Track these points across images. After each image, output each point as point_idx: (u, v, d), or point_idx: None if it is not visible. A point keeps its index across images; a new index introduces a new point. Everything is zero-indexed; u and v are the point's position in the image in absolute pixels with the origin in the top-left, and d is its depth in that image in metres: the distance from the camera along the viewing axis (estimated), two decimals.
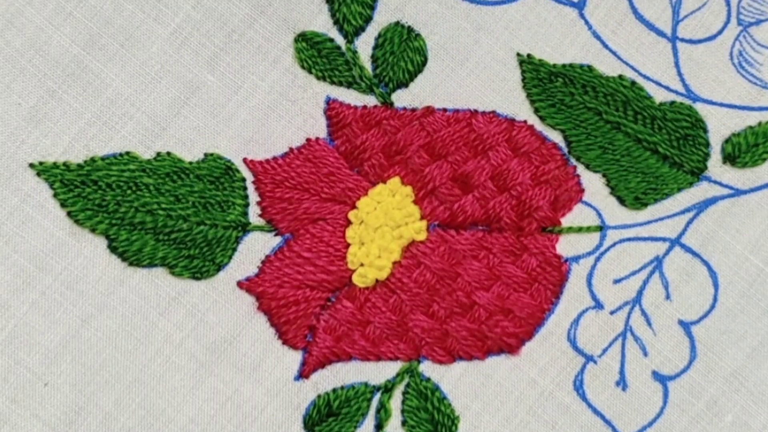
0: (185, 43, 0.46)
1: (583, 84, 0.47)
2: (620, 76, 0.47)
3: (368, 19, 0.47)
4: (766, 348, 0.47)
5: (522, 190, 0.47)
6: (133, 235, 0.46)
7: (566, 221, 0.47)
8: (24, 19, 0.45)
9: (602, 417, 0.47)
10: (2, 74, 0.46)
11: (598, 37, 0.47)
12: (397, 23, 0.47)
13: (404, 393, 0.47)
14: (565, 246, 0.47)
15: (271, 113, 0.47)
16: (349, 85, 0.47)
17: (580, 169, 0.47)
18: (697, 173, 0.47)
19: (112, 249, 0.46)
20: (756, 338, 0.47)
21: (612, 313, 0.47)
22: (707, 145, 0.48)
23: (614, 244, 0.47)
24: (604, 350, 0.47)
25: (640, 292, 0.48)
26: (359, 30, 0.47)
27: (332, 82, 0.47)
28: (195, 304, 0.46)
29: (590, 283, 0.47)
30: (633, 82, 0.47)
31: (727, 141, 0.47)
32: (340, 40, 0.47)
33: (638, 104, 0.47)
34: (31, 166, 0.46)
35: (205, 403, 0.46)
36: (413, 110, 0.47)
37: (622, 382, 0.47)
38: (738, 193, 0.47)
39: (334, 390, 0.47)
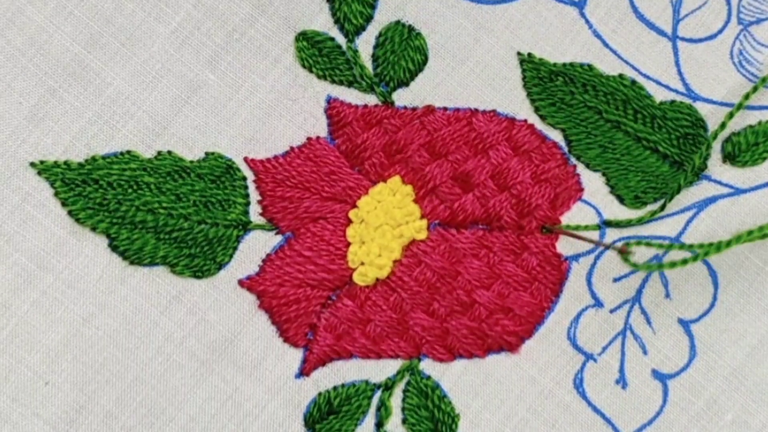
0: (186, 42, 0.46)
1: (584, 83, 0.47)
2: (620, 75, 0.47)
3: (369, 18, 0.47)
4: (765, 347, 0.47)
5: (522, 189, 0.47)
6: (134, 234, 0.46)
7: (565, 219, 0.47)
8: (25, 18, 0.45)
9: (602, 415, 0.47)
10: (3, 73, 0.46)
11: (598, 36, 0.47)
12: (398, 22, 0.47)
13: (405, 391, 0.47)
14: (565, 245, 0.47)
15: (271, 112, 0.47)
16: (350, 84, 0.47)
17: (580, 168, 0.47)
18: (697, 172, 0.47)
19: (113, 248, 0.46)
20: (755, 337, 0.47)
21: (612, 311, 0.48)
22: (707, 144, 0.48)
23: (614, 243, 0.47)
24: (604, 348, 0.47)
25: (639, 291, 0.48)
26: (360, 29, 0.47)
27: (333, 81, 0.47)
28: (196, 302, 0.46)
29: (590, 281, 0.47)
30: (633, 81, 0.47)
31: (727, 140, 0.48)
32: (340, 39, 0.47)
33: (638, 103, 0.47)
34: (32, 165, 0.46)
35: (206, 402, 0.46)
36: (414, 109, 0.47)
37: (621, 381, 0.47)
38: (738, 192, 0.47)
39: (335, 388, 0.47)
